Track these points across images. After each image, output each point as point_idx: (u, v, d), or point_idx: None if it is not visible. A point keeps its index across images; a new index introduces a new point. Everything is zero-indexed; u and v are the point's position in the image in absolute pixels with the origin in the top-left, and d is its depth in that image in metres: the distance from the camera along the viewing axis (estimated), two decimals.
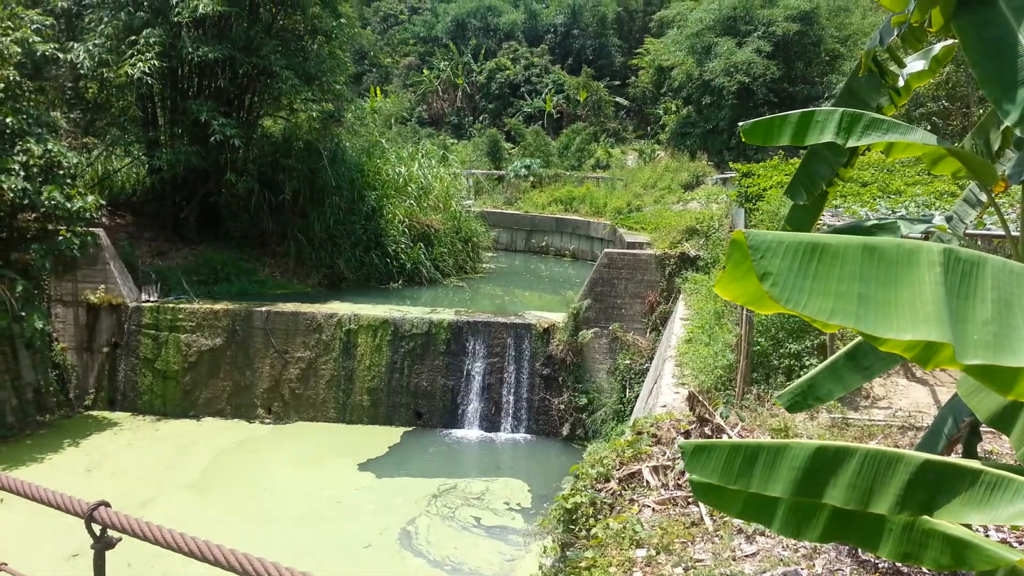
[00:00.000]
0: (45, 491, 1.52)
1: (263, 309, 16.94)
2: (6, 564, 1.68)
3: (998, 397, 3.09)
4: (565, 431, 16.31)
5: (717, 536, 6.18)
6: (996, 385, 2.25)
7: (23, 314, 15.03)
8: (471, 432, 16.42)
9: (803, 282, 2.20)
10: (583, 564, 6.19)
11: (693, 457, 2.82)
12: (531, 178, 34.07)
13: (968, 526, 4.27)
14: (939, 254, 2.23)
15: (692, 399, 7.95)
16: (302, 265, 20.80)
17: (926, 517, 2.49)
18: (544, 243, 30.63)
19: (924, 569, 5.50)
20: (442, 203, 24.51)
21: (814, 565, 5.58)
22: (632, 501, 7.00)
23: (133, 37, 17.92)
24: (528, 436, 16.41)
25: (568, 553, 7.08)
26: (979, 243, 9.24)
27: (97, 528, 1.47)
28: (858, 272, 2.21)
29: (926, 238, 8.84)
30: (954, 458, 2.70)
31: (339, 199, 21.26)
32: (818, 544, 5.85)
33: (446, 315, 17.03)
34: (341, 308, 17.29)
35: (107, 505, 1.45)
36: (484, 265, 25.79)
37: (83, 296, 16.83)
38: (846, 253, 2.24)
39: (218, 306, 17.06)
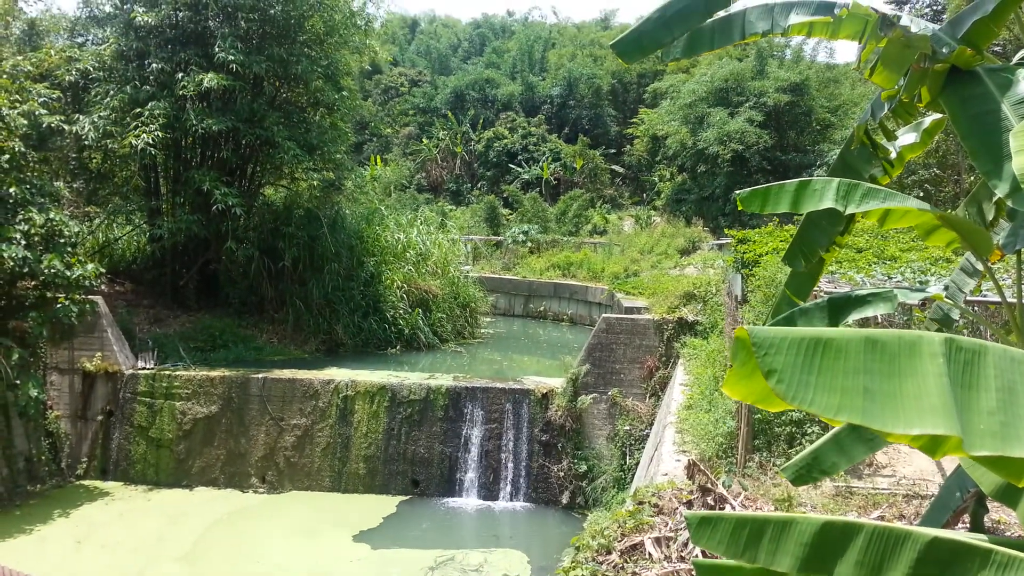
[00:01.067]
0: None
1: (260, 376, 16.84)
2: None
3: None
4: (565, 499, 16.03)
5: None
6: (1007, 473, 2.23)
7: (18, 382, 14.93)
8: (469, 501, 16.13)
9: (808, 378, 2.21)
10: None
11: (699, 529, 2.77)
12: (529, 244, 34.36)
13: None
14: (940, 344, 2.24)
15: (692, 468, 7.86)
16: (300, 331, 20.77)
17: None
18: (542, 308, 30.67)
19: None
20: (440, 269, 24.65)
21: None
22: (635, 574, 6.83)
23: (138, 109, 18.32)
24: (527, 504, 16.11)
25: None
26: (976, 309, 9.27)
27: None
28: (862, 365, 2.21)
29: (923, 305, 8.86)
30: (962, 533, 2.65)
31: (338, 265, 21.38)
32: None
33: (444, 381, 16.93)
34: (338, 374, 17.19)
35: None
36: (482, 330, 25.76)
37: (79, 363, 16.74)
38: (848, 347, 2.25)
39: (214, 373, 16.96)
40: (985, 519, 5.47)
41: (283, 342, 20.44)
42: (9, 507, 14.80)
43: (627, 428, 16.07)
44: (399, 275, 22.67)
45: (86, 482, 16.45)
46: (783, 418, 9.21)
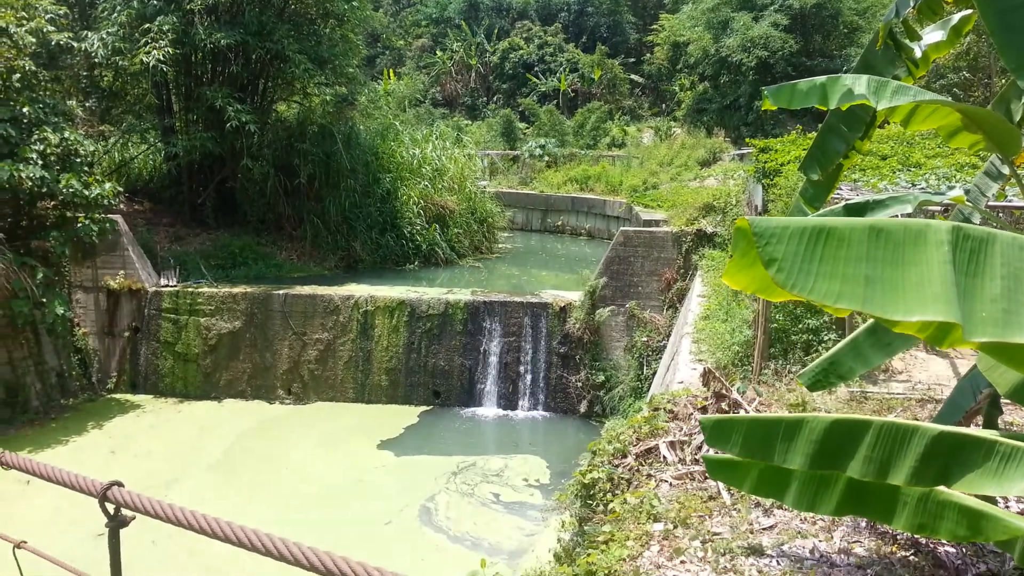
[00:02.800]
0: (60, 472, 1.56)
1: (281, 292, 17.07)
2: (26, 542, 1.72)
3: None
4: (583, 408, 16.37)
5: (735, 510, 6.20)
6: (1014, 363, 2.21)
7: (44, 300, 15.23)
8: (489, 410, 16.52)
9: (809, 266, 2.16)
10: (601, 538, 6.23)
11: (713, 432, 2.82)
12: (546, 158, 33.95)
13: (989, 498, 4.25)
14: (947, 232, 2.18)
15: (707, 375, 7.95)
16: (318, 248, 20.91)
17: (941, 488, 2.48)
18: (560, 223, 30.56)
19: (943, 541, 5.49)
20: (457, 184, 24.51)
21: (832, 537, 5.58)
22: (649, 476, 7.02)
23: (147, 25, 17.97)
24: (546, 414, 16.49)
25: (586, 528, 7.13)
26: (1000, 215, 9.12)
27: (111, 507, 1.51)
28: (864, 254, 2.15)
29: (945, 211, 8.72)
30: (971, 429, 2.67)
31: (354, 182, 21.32)
32: (837, 517, 5.86)
33: (462, 295, 17.08)
34: (358, 290, 17.38)
35: (120, 485, 1.48)
36: (500, 245, 25.79)
37: (103, 282, 17.03)
38: (852, 235, 2.19)
39: (236, 290, 17.21)
40: (999, 422, 5.53)
41: (302, 259, 20.62)
42: (45, 420, 15.37)
43: (644, 339, 16.23)
44: (415, 191, 22.59)
45: (117, 395, 16.98)
46: (800, 326, 9.24)
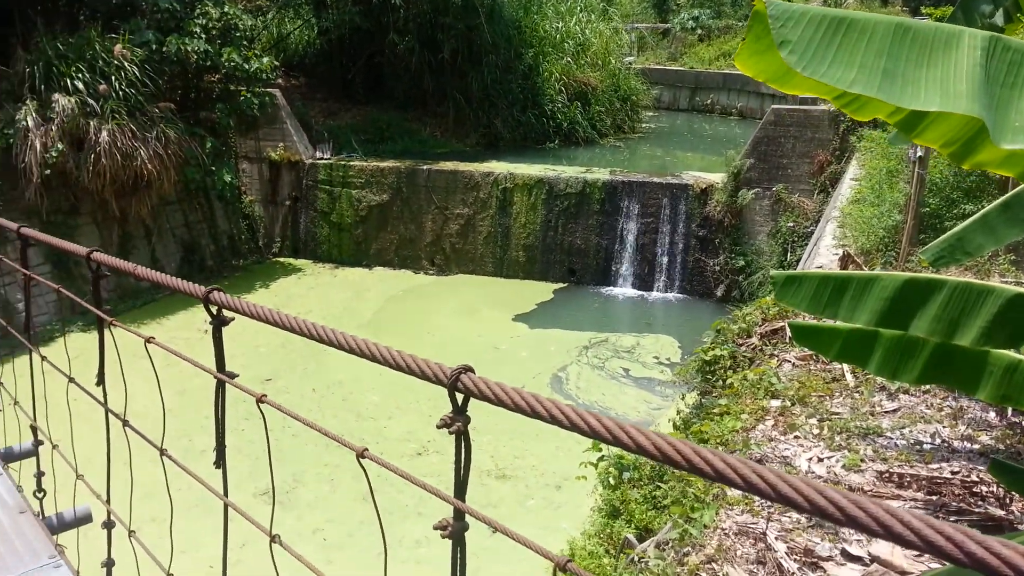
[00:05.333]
0: (170, 278, 1.83)
1: (425, 167, 17.60)
2: (153, 338, 2.04)
3: None
4: (719, 293, 16.13)
5: (857, 392, 6.11)
6: None
7: (213, 169, 16.52)
8: (623, 290, 16.64)
9: (825, 52, 2.01)
10: (716, 411, 6.35)
11: (783, 287, 2.79)
12: (699, 31, 32.06)
13: None
14: (983, 39, 1.96)
15: (846, 259, 7.66)
16: (461, 125, 21.19)
17: None
18: (709, 101, 29.13)
19: None
20: (600, 60, 23.77)
21: (957, 424, 5.41)
22: (772, 356, 6.98)
23: None
24: (681, 296, 16.41)
25: (704, 401, 7.25)
26: None
27: (213, 308, 1.77)
28: (887, 48, 1.98)
29: None
30: None
31: (496, 58, 21.17)
32: (965, 404, 5.65)
33: (601, 175, 16.93)
34: (498, 167, 17.62)
35: (220, 290, 1.72)
36: (643, 125, 25.06)
37: (265, 153, 18.21)
38: (875, 29, 2.01)
39: (384, 164, 17.91)
40: None
41: (445, 135, 21.03)
42: (219, 279, 17.03)
43: (791, 224, 15.57)
44: (557, 67, 22.15)
45: (281, 259, 18.48)
46: (955, 211, 8.58)
